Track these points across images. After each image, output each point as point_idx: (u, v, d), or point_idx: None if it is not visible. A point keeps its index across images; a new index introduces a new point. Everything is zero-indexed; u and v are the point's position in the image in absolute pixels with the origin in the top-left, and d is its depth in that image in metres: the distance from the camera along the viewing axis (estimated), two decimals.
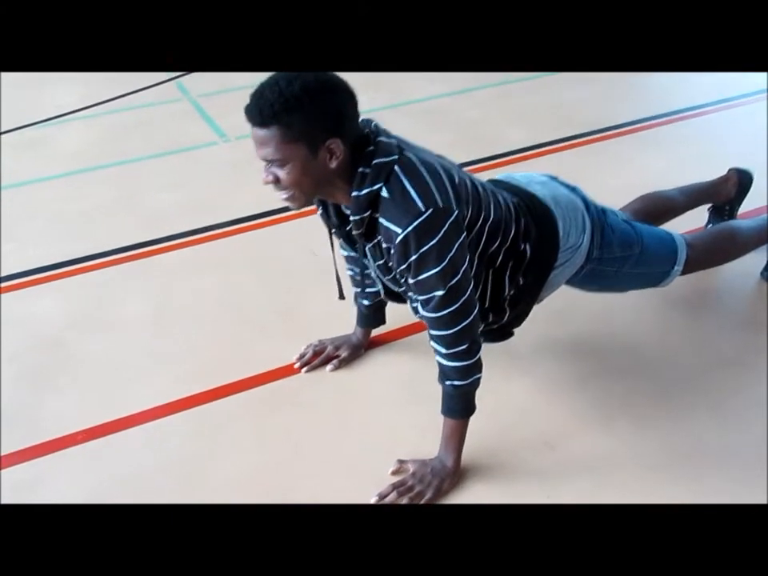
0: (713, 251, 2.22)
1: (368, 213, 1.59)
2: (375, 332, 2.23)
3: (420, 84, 4.24)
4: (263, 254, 2.76)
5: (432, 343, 1.70)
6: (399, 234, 1.54)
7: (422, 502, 1.72)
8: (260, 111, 1.48)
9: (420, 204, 1.53)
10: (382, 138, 1.60)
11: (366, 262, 1.77)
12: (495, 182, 1.92)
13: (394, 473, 1.81)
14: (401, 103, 3.93)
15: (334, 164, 1.55)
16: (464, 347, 1.65)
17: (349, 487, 1.79)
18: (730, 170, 2.59)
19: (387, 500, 1.72)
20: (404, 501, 1.72)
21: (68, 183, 3.41)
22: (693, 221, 2.56)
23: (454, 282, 1.59)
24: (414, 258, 1.56)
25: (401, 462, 1.81)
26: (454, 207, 1.58)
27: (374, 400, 2.07)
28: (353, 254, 1.88)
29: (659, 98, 4.05)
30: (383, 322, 2.17)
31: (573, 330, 2.29)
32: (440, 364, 1.70)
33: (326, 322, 2.33)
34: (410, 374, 2.14)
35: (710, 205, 2.61)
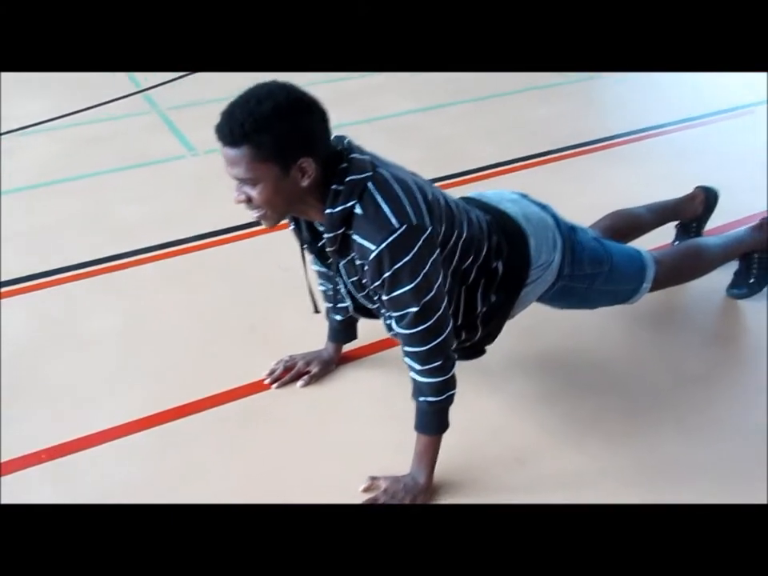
0: (680, 268, 2.24)
1: (342, 230, 1.58)
2: (346, 347, 2.21)
3: (391, 99, 4.26)
4: (232, 269, 2.73)
5: (406, 359, 1.69)
6: (373, 251, 1.54)
7: None
8: (230, 131, 1.46)
9: (394, 221, 1.53)
10: (355, 155, 1.59)
11: (338, 279, 1.76)
12: (467, 200, 1.93)
13: (366, 490, 1.79)
14: (372, 119, 3.93)
15: (306, 182, 1.54)
16: (438, 363, 1.65)
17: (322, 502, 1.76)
18: (696, 187, 2.63)
19: None
20: None
21: (32, 196, 3.34)
22: (660, 238, 2.58)
23: (427, 298, 1.59)
24: (387, 274, 1.55)
25: (372, 478, 1.79)
26: (428, 224, 1.58)
27: (345, 416, 2.05)
28: (324, 269, 1.87)
29: (626, 115, 4.11)
30: (355, 337, 2.15)
31: (543, 347, 2.29)
32: (414, 380, 1.70)
33: (296, 337, 2.31)
34: (381, 389, 2.13)
35: (677, 222, 2.65)
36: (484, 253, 1.78)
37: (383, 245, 1.53)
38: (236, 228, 2.94)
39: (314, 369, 2.15)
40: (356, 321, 2.09)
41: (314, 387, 2.14)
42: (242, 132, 1.45)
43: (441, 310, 1.63)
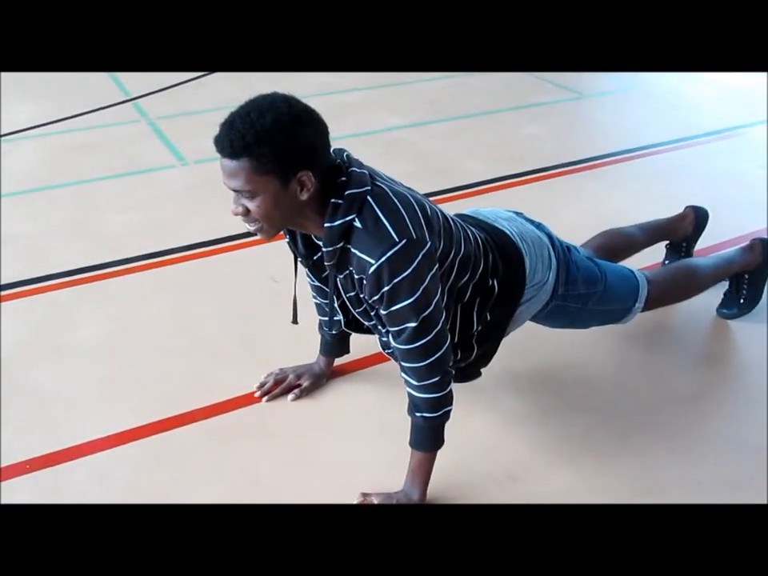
0: (673, 288, 2.25)
1: (341, 244, 1.56)
2: (338, 361, 2.19)
3: (377, 114, 4.26)
4: (221, 280, 2.71)
5: (403, 375, 1.68)
6: (372, 265, 1.52)
7: None
8: (230, 142, 1.44)
9: (394, 234, 1.52)
10: (354, 169, 1.58)
11: (333, 293, 1.74)
12: (463, 217, 1.92)
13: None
14: (360, 133, 3.92)
15: (305, 196, 1.52)
16: (436, 379, 1.64)
17: None
18: (686, 207, 2.64)
19: None
20: None
21: (17, 203, 3.30)
22: (650, 257, 2.59)
23: (426, 313, 1.58)
24: (386, 288, 1.54)
25: (364, 494, 1.77)
26: (427, 239, 1.57)
27: (336, 431, 2.03)
28: (318, 284, 1.85)
29: (613, 136, 4.14)
30: (347, 351, 2.14)
31: (534, 365, 2.28)
32: (411, 395, 1.68)
33: (286, 350, 2.29)
34: (372, 405, 2.11)
35: (667, 242, 2.66)
36: (480, 270, 1.77)
37: (383, 259, 1.51)
38: (227, 239, 2.92)
39: (305, 382, 2.12)
40: (349, 335, 2.08)
41: (305, 401, 2.11)
42: (242, 144, 1.43)
43: (439, 326, 1.61)
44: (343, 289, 1.70)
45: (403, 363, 1.65)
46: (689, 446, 1.99)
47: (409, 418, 1.72)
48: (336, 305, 1.81)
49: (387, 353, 1.85)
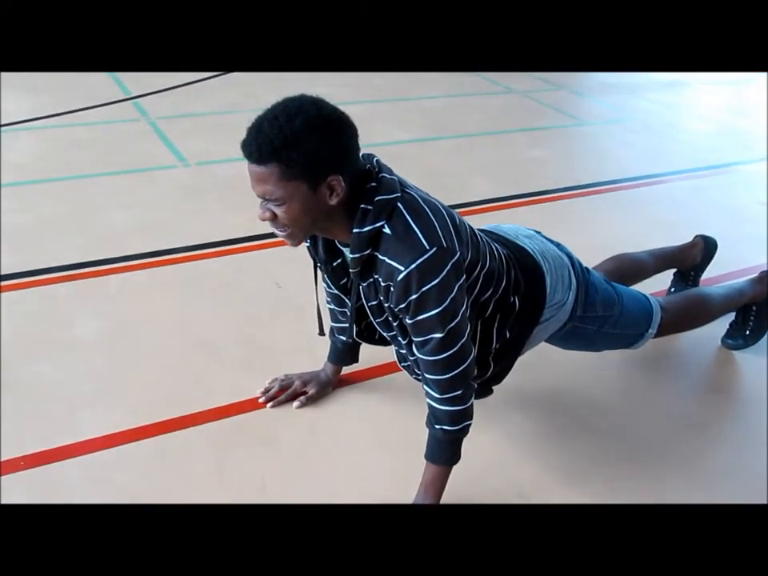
0: (685, 316, 2.23)
1: (368, 251, 1.52)
2: (344, 370, 2.14)
3: (385, 128, 4.25)
4: (223, 283, 2.65)
5: (425, 387, 1.64)
6: (402, 272, 1.48)
7: None
8: (258, 147, 1.41)
9: (424, 242, 1.48)
10: (385, 175, 1.55)
11: (349, 301, 1.71)
12: (484, 232, 1.89)
13: None
14: (365, 144, 3.89)
15: (334, 201, 1.48)
16: (459, 392, 1.60)
17: None
18: (696, 236, 2.63)
19: None
20: None
21: (13, 194, 3.23)
22: (656, 284, 2.58)
23: (453, 324, 1.54)
24: (414, 297, 1.50)
25: None
26: (457, 248, 1.54)
27: (342, 441, 1.98)
28: (335, 291, 1.82)
29: (618, 163, 4.15)
30: (356, 360, 2.09)
31: (543, 385, 2.24)
32: (431, 407, 1.64)
33: (289, 356, 2.25)
34: (379, 416, 2.06)
35: (674, 270, 2.65)
36: (503, 286, 1.74)
37: (413, 266, 1.47)
38: (229, 242, 2.88)
39: (311, 390, 2.08)
40: (359, 344, 2.03)
41: (310, 409, 2.06)
42: (270, 149, 1.39)
43: (464, 338, 1.58)
44: (365, 297, 1.66)
45: (426, 375, 1.62)
46: (694, 472, 1.97)
47: (424, 431, 1.69)
48: (350, 313, 1.78)
49: (403, 366, 1.81)
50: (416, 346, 1.60)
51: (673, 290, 2.66)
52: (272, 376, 2.13)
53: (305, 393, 2.07)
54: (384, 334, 1.76)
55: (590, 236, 3.15)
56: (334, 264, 1.73)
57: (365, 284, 1.61)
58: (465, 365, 1.59)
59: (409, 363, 1.77)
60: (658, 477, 1.94)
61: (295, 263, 2.57)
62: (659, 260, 2.52)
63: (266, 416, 2.03)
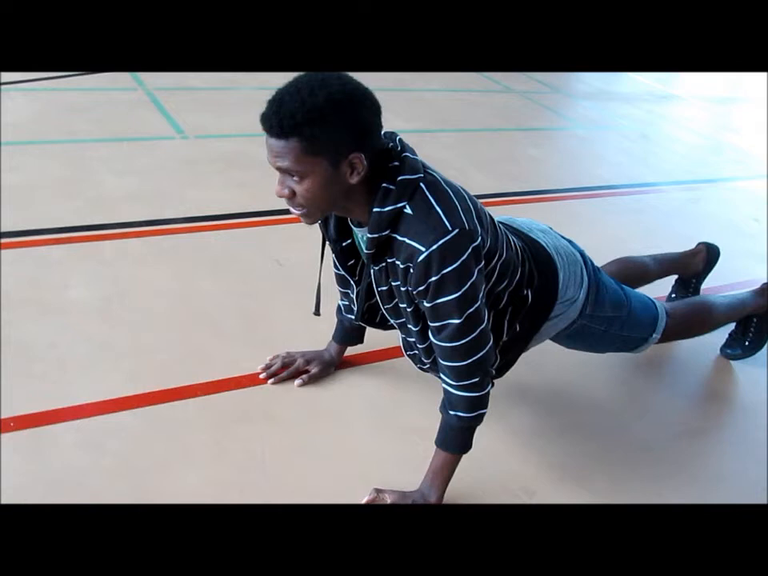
0: (689, 323, 2.21)
1: (386, 232, 1.48)
2: (348, 351, 2.10)
3: (385, 116, 4.19)
4: (223, 257, 2.59)
5: (441, 375, 1.60)
6: (423, 252, 1.44)
7: None
8: (280, 122, 1.35)
9: (447, 223, 1.44)
10: (408, 155, 1.50)
11: (355, 283, 1.69)
12: (500, 223, 1.86)
13: (369, 503, 1.67)
14: None
15: (355, 179, 1.44)
16: (476, 380, 1.56)
17: None
18: (699, 243, 2.62)
19: None
20: None
21: (4, 153, 3.12)
22: (657, 289, 2.57)
23: (472, 310, 1.50)
24: (434, 278, 1.45)
25: (378, 490, 1.68)
26: (479, 232, 1.50)
27: (344, 423, 1.93)
28: (342, 272, 1.78)
29: (611, 169, 4.15)
30: (361, 341, 2.05)
31: (545, 381, 2.22)
32: (447, 392, 1.60)
33: (290, 334, 2.20)
34: (381, 399, 2.02)
35: (676, 276, 2.64)
36: (517, 278, 1.71)
37: (434, 246, 1.43)
38: (230, 216, 2.81)
39: (314, 369, 2.03)
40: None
41: (312, 388, 2.01)
42: (292, 123, 1.34)
43: (483, 324, 1.54)
44: (375, 282, 1.62)
45: (443, 362, 1.57)
46: (700, 477, 1.96)
47: (427, 417, 1.69)
48: (354, 295, 1.74)
49: (409, 354, 1.78)
50: (433, 332, 1.56)
51: (674, 296, 2.65)
52: (272, 353, 2.08)
53: (307, 371, 2.03)
54: (392, 321, 1.72)
55: (587, 237, 3.11)
56: (344, 244, 1.69)
57: (376, 268, 1.57)
58: (483, 351, 1.55)
59: (415, 352, 1.73)
60: (655, 476, 1.92)
61: (296, 242, 2.54)
62: (662, 265, 2.50)
63: (266, 392, 1.98)
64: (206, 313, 2.28)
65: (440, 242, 1.43)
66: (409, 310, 1.60)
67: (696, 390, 2.36)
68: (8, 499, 1.58)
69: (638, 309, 2.02)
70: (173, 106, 3.87)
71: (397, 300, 1.62)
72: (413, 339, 1.69)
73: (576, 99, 5.47)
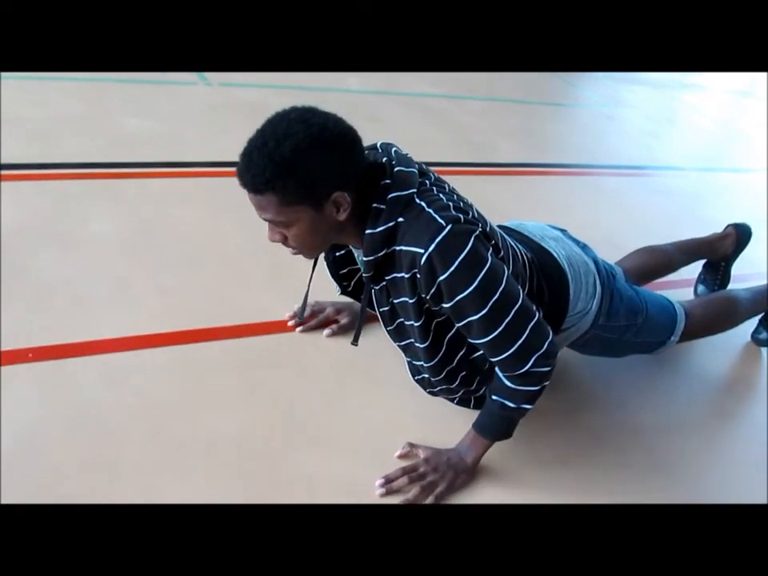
0: (710, 322, 2.12)
1: (383, 251, 1.42)
2: None
3: (412, 79, 4.11)
4: (247, 203, 2.45)
5: (497, 371, 1.52)
6: (423, 254, 1.36)
7: (434, 493, 1.53)
8: (252, 179, 1.32)
9: (440, 220, 1.37)
10: (401, 168, 1.43)
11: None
12: (508, 231, 1.78)
13: (402, 456, 1.61)
14: (393, 92, 3.78)
15: (342, 216, 1.39)
16: (528, 367, 1.45)
17: (348, 465, 1.58)
18: (728, 226, 2.54)
19: (395, 485, 1.52)
20: (414, 490, 1.52)
21: (24, 86, 3.04)
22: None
23: (497, 296, 1.40)
24: (442, 277, 1.37)
25: (411, 445, 1.62)
26: (477, 222, 1.43)
27: (374, 377, 1.86)
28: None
29: (636, 150, 4.07)
30: None
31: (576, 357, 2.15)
32: (497, 376, 1.51)
33: (316, 286, 2.11)
34: None
35: (704, 261, 2.57)
36: (525, 292, 1.60)
37: (432, 245, 1.35)
38: None
39: (344, 319, 1.95)
40: None
41: (341, 339, 1.94)
42: (263, 180, 1.30)
43: (518, 304, 1.43)
44: (377, 302, 1.56)
45: (493, 360, 1.49)
46: (726, 456, 1.90)
47: None
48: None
49: (417, 380, 1.72)
50: (467, 334, 1.48)
51: (703, 278, 2.58)
52: (299, 301, 2.00)
53: (336, 321, 1.96)
54: (396, 344, 1.65)
55: (610, 215, 3.07)
56: (337, 254, 1.71)
57: (377, 287, 1.51)
58: (525, 333, 1.43)
59: (424, 376, 1.66)
60: (687, 451, 1.87)
61: None
62: (687, 253, 2.41)
63: (294, 340, 1.91)
64: (230, 257, 2.20)
65: (437, 240, 1.36)
66: (416, 324, 1.50)
67: (724, 378, 2.29)
68: (24, 433, 1.51)
69: (655, 314, 1.94)
70: None
71: (400, 320, 1.56)
72: (419, 362, 1.61)
73: (602, 80, 5.38)
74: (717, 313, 2.15)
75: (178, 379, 1.72)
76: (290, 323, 1.94)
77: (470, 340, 1.50)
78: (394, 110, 3.55)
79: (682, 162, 3.97)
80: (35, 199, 2.29)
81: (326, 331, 1.94)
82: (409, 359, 1.68)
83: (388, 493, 1.52)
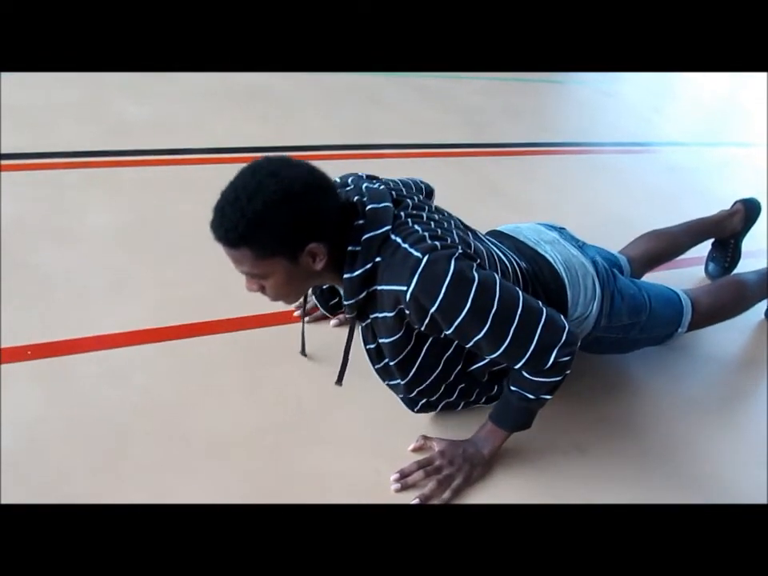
0: (718, 310, 2.07)
1: (363, 294, 1.39)
2: None
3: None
4: None
5: (522, 374, 1.47)
6: (406, 291, 1.33)
7: (451, 487, 1.49)
8: (225, 234, 1.29)
9: (416, 253, 1.33)
10: (374, 206, 1.39)
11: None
12: (503, 237, 1.73)
13: (415, 450, 1.57)
14: (394, 74, 3.71)
15: (319, 265, 1.37)
16: (551, 360, 1.41)
17: (361, 460, 1.54)
18: (736, 202, 2.48)
19: (410, 480, 1.48)
20: (430, 484, 1.48)
21: (16, 73, 2.97)
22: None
23: (495, 307, 1.35)
24: (433, 309, 1.33)
25: (425, 438, 1.58)
26: (457, 246, 1.38)
27: None
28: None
29: (642, 127, 4.01)
30: None
31: None
32: (516, 369, 1.47)
33: None
34: None
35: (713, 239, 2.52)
36: None
37: (413, 282, 1.32)
38: (253, 149, 2.67)
39: None
40: None
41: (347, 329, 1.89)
42: (237, 235, 1.29)
43: (519, 307, 1.38)
44: (363, 340, 1.53)
45: (514, 367, 1.44)
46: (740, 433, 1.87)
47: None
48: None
49: (417, 410, 1.65)
50: (479, 353, 1.45)
51: (714, 255, 2.54)
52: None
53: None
54: (385, 383, 1.60)
55: (617, 192, 3.01)
56: (324, 287, 1.74)
57: (363, 325, 1.49)
58: (537, 333, 1.39)
59: (422, 402, 1.61)
60: (708, 441, 1.83)
61: None
62: (694, 235, 2.36)
63: (299, 331, 1.86)
64: None
65: (417, 274, 1.32)
66: (399, 359, 1.48)
67: (737, 356, 2.25)
68: (26, 432, 1.47)
69: (660, 308, 1.88)
70: None
71: (386, 360, 1.52)
72: (411, 394, 1.57)
73: None
74: (724, 300, 2.09)
75: (182, 375, 1.68)
76: (296, 313, 1.89)
77: (486, 357, 1.46)
78: (393, 90, 3.49)
79: (683, 137, 3.90)
80: (32, 191, 2.24)
81: (333, 321, 1.90)
82: (402, 395, 1.61)
83: (403, 488, 1.48)
